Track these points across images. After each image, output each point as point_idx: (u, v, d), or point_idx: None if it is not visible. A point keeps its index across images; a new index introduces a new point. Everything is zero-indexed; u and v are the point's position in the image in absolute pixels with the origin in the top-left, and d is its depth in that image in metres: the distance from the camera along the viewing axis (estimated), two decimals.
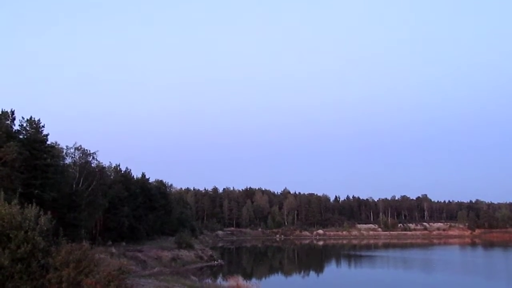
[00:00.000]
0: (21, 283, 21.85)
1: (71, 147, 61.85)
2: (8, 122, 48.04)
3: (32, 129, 50.23)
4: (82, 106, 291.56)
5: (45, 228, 24.14)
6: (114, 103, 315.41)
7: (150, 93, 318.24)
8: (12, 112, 48.94)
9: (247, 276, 43.96)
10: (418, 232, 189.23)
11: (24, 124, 50.24)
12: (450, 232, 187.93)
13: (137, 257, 55.53)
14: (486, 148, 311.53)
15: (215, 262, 71.00)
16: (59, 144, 60.34)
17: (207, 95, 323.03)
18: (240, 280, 27.49)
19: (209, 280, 42.44)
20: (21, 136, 49.19)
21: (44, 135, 50.81)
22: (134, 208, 78.31)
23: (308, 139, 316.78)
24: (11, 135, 45.62)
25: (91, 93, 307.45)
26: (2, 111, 48.14)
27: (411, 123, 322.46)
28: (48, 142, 52.54)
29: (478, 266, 74.14)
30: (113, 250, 54.27)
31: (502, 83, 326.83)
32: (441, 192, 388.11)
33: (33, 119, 50.74)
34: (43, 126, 50.88)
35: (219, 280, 46.21)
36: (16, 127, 49.81)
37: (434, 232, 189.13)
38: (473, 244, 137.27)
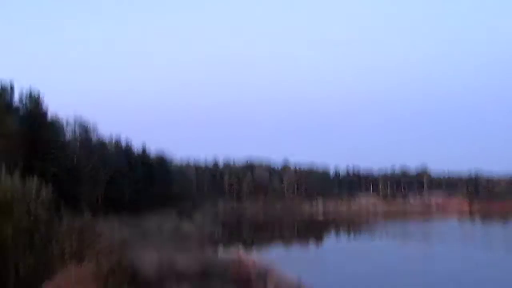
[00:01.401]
0: (23, 255, 22.22)
1: (72, 121, 61.95)
2: (8, 95, 47.96)
3: (32, 102, 50.23)
4: (83, 80, 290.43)
5: (47, 201, 24.42)
6: (114, 76, 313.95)
7: (151, 66, 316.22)
8: (11, 85, 48.78)
9: (248, 247, 44.49)
10: (417, 204, 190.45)
11: (24, 98, 50.21)
12: (449, 205, 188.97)
13: (138, 229, 56.07)
14: (487, 120, 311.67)
15: (216, 234, 71.67)
16: (59, 118, 60.42)
17: (207, 69, 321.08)
18: (241, 251, 27.90)
19: (210, 251, 42.91)
20: (20, 110, 49.21)
21: (44, 109, 50.84)
22: (135, 181, 78.83)
23: (307, 112, 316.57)
24: (10, 109, 45.63)
25: (90, 67, 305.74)
26: (1, 85, 48.02)
27: (412, 95, 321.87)
28: (48, 116, 52.60)
29: (476, 238, 74.96)
30: (115, 222, 54.74)
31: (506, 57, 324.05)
32: (441, 165, 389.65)
33: (32, 92, 50.68)
34: (43, 100, 50.89)
35: (220, 251, 46.74)
36: (16, 100, 49.79)
37: (433, 205, 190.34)
38: (472, 217, 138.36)
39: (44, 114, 50.63)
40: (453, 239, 71.60)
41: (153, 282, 19.92)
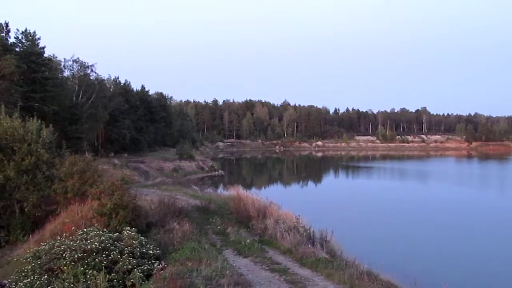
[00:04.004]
0: (27, 194, 22.69)
1: (69, 60, 61.25)
2: (3, 34, 47.12)
3: (28, 41, 49.46)
4: (80, 19, 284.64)
5: (48, 141, 24.64)
6: (112, 16, 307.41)
7: (149, 5, 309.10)
8: (7, 24, 47.81)
9: (247, 186, 45.24)
10: (415, 144, 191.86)
11: (20, 37, 49.38)
12: (447, 145, 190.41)
13: (139, 168, 56.85)
14: (486, 61, 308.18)
15: (216, 172, 72.66)
16: (56, 57, 59.71)
17: (207, 6, 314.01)
18: (240, 189, 28.32)
19: (210, 190, 43.71)
20: (17, 49, 48.52)
21: (40, 48, 50.12)
22: (135, 121, 79.03)
23: (308, 51, 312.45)
24: (7, 48, 44.95)
25: (88, 6, 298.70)
26: None
27: (412, 36, 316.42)
28: (45, 55, 51.93)
29: (472, 177, 76.15)
30: (116, 161, 55.44)
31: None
32: (440, 105, 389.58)
33: (28, 31, 49.79)
34: (39, 39, 50.04)
35: (220, 189, 47.57)
36: (12, 39, 48.99)
37: (432, 145, 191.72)
38: (469, 156, 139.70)
39: (41, 53, 49.94)
40: (449, 178, 72.71)
41: (155, 218, 20.41)
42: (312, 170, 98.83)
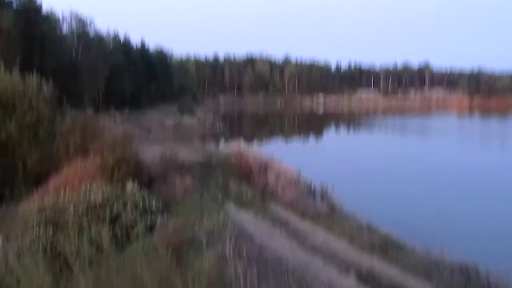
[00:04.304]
0: (30, 150, 22.80)
1: (67, 15, 60.30)
2: None
3: None
4: None
5: (49, 97, 24.54)
6: None
7: None
8: None
9: (249, 141, 45.36)
10: (417, 99, 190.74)
11: None
12: (449, 100, 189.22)
13: (140, 124, 56.90)
14: (489, 15, 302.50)
15: (217, 128, 72.70)
16: (54, 13, 58.73)
17: None
18: (242, 144, 28.44)
19: (211, 145, 43.81)
20: (14, 5, 47.69)
21: (38, 3, 49.27)
22: (135, 76, 78.47)
23: (311, 7, 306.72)
24: (3, 4, 44.19)
25: None
26: None
27: None
28: (43, 10, 51.11)
29: (472, 132, 76.18)
30: (117, 117, 55.39)
31: None
32: (443, 60, 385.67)
33: None
34: None
35: (221, 144, 47.68)
36: None
37: (434, 100, 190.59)
38: (471, 112, 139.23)
39: (39, 8, 49.11)
40: (450, 134, 72.77)
41: (157, 173, 20.57)
42: (313, 125, 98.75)
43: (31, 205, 16.94)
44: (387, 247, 11.97)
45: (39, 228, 13.95)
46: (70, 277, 5.95)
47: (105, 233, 12.29)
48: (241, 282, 6.83)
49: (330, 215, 15.67)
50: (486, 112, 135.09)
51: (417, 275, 10.15)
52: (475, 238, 17.58)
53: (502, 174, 35.00)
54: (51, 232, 13.48)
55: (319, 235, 13.45)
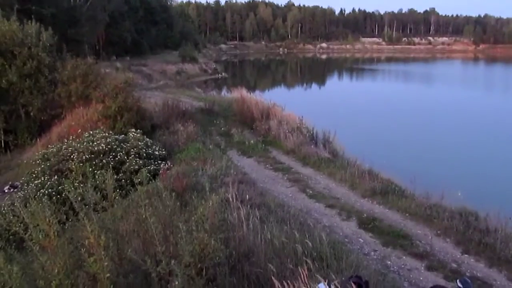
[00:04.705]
0: (31, 98, 22.77)
1: None
2: None
3: None
4: None
5: (48, 44, 24.26)
6: None
7: None
8: None
9: (251, 88, 45.03)
10: (422, 47, 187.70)
11: None
12: (454, 47, 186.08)
13: (142, 71, 56.42)
14: None
15: (219, 75, 72.17)
16: None
17: None
18: (244, 91, 28.26)
19: (213, 92, 43.57)
20: None
21: None
22: (136, 23, 77.11)
23: None
24: None
25: None
26: None
27: None
28: None
29: (476, 79, 75.54)
30: (118, 64, 54.81)
31: None
32: (449, 6, 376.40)
33: None
34: None
35: (223, 92, 47.44)
36: None
37: (438, 47, 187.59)
38: (476, 59, 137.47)
39: None
40: (453, 81, 72.21)
41: (159, 120, 20.58)
42: (316, 72, 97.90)
43: (35, 153, 17.09)
44: (388, 193, 12.10)
45: (44, 175, 14.12)
46: (75, 222, 6.07)
47: (109, 180, 12.44)
48: (244, 227, 6.95)
49: (332, 161, 15.76)
50: (491, 59, 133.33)
51: (417, 220, 10.31)
52: (476, 183, 17.77)
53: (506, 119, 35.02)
54: (55, 180, 13.65)
55: (321, 181, 13.59)
